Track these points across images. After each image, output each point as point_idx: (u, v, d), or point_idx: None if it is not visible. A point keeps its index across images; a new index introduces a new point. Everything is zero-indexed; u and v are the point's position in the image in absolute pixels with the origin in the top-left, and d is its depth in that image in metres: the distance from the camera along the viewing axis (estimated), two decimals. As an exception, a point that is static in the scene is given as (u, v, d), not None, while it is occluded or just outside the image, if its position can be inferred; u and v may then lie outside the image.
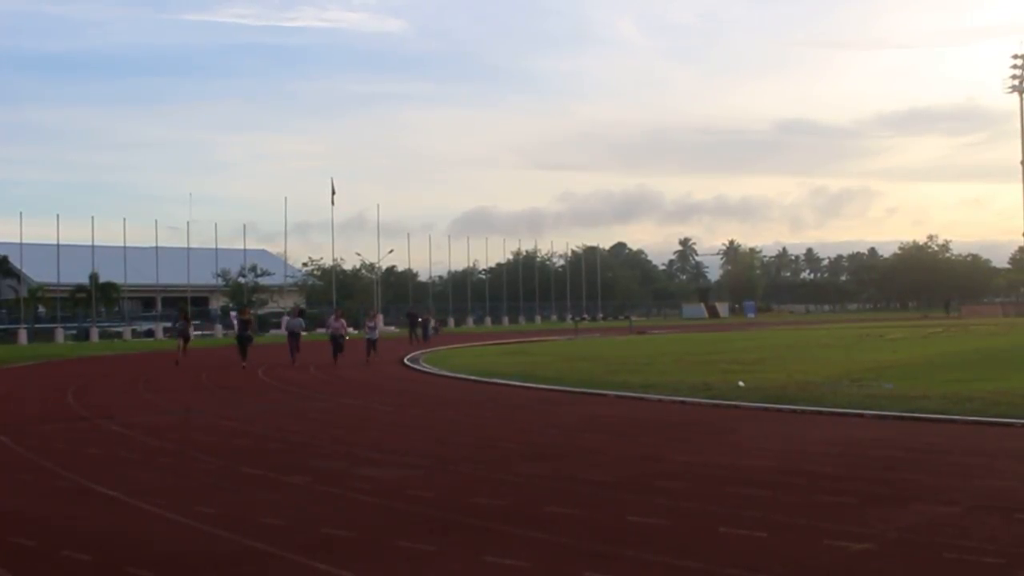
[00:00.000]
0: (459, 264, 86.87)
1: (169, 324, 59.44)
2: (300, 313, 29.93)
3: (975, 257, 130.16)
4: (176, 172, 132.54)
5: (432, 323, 43.31)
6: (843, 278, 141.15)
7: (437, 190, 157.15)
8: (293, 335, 26.57)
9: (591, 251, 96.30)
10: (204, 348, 36.51)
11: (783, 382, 15.61)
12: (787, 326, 57.75)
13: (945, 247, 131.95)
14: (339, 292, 66.65)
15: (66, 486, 7.96)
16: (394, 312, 71.37)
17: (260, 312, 64.23)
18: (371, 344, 26.64)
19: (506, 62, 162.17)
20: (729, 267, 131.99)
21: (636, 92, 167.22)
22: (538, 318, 78.31)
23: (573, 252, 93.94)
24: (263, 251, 75.81)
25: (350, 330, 39.29)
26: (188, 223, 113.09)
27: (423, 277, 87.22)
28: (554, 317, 78.96)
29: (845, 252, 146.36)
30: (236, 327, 25.60)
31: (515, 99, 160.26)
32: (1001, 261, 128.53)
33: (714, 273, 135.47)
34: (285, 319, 24.78)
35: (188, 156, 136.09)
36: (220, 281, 66.34)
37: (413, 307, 53.00)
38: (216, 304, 67.21)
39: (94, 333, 53.64)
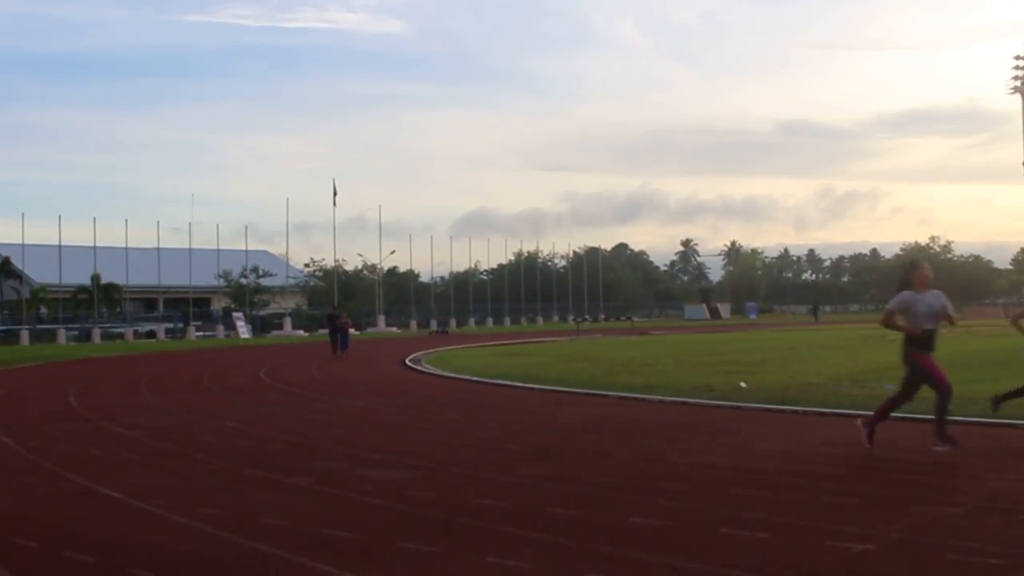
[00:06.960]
0: (461, 265, 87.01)
1: (170, 325, 59.54)
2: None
3: (977, 258, 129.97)
4: (177, 173, 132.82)
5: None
6: (844, 279, 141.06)
7: (438, 191, 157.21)
8: None
9: (593, 252, 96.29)
10: (206, 349, 36.53)
11: (785, 383, 15.59)
12: (789, 327, 57.69)
13: (947, 248, 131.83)
14: (341, 293, 66.71)
15: (68, 487, 7.96)
16: (395, 313, 71.45)
17: (262, 313, 64.37)
18: None
19: (507, 63, 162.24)
20: (731, 268, 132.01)
21: (637, 93, 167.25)
22: (540, 319, 78.31)
23: (575, 253, 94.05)
24: (265, 252, 76.00)
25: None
26: (189, 224, 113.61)
27: (425, 278, 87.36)
28: (556, 318, 78.97)
29: (848, 253, 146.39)
30: None
31: (516, 100, 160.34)
32: (1004, 262, 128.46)
33: (716, 274, 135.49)
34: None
35: (189, 157, 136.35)
36: (222, 282, 66.43)
37: (335, 308, 36.46)
38: (218, 305, 67.31)
39: (96, 334, 53.71)
